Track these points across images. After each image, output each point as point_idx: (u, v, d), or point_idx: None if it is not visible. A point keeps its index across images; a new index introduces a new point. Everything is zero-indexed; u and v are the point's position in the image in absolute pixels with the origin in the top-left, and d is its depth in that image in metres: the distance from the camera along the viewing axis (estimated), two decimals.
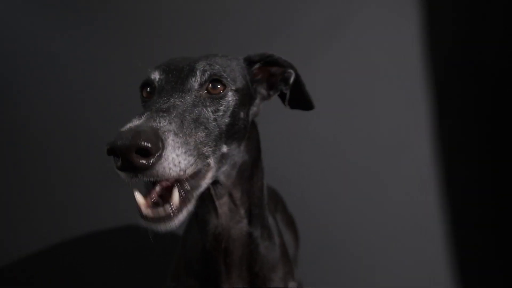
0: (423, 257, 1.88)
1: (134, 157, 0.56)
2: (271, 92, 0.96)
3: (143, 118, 0.61)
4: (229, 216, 0.91)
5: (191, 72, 0.77)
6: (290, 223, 1.55)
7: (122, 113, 1.70)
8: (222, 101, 0.79)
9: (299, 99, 0.97)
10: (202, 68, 0.78)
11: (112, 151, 0.56)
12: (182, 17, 1.90)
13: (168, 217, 0.63)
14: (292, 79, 0.93)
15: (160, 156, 0.57)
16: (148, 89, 0.80)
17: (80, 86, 1.92)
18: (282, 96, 0.99)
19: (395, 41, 1.89)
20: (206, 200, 0.87)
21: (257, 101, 0.94)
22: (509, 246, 1.85)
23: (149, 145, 0.55)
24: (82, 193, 1.92)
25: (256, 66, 0.93)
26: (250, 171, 0.92)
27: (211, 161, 0.74)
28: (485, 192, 1.89)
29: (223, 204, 0.89)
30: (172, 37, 1.89)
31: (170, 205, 0.63)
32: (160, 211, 0.63)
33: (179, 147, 0.61)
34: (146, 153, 0.56)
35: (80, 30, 1.90)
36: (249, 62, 0.92)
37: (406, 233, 1.90)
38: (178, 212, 0.64)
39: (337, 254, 1.89)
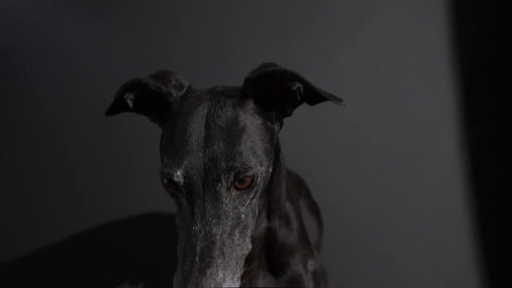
0: (449, 247, 1.86)
1: None
2: (289, 110, 0.83)
3: (208, 281, 0.65)
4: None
5: (215, 175, 0.69)
6: (314, 209, 1.55)
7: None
8: (253, 189, 0.74)
9: (311, 98, 0.80)
10: (225, 169, 0.69)
11: None
12: (196, 14, 1.88)
13: None
14: (302, 89, 0.78)
15: None
16: (168, 181, 0.73)
17: (92, 76, 1.91)
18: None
19: (420, 34, 1.85)
20: None
21: (277, 127, 0.84)
22: None
23: None
24: (82, 189, 1.93)
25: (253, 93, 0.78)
26: (271, 177, 0.88)
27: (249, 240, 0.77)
28: None
29: None
30: (185, 34, 1.88)
31: None
32: None
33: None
34: None
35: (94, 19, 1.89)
36: (248, 91, 0.78)
37: (432, 224, 1.86)
38: None
39: (361, 244, 1.89)
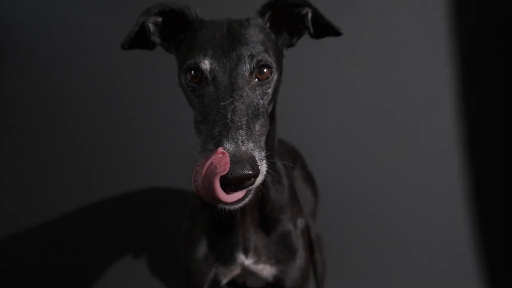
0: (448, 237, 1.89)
1: (244, 184, 0.66)
2: (294, 39, 0.95)
3: (239, 139, 0.68)
4: None
5: (240, 60, 0.78)
6: (309, 180, 1.58)
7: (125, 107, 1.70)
8: (269, 84, 0.81)
9: (323, 29, 0.93)
10: (249, 54, 0.78)
11: (229, 180, 0.64)
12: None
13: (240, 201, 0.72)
14: (310, 16, 0.90)
15: (255, 178, 0.67)
16: (193, 72, 0.80)
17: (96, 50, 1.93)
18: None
19: (419, 13, 1.86)
20: None
21: (285, 52, 0.94)
22: None
23: (254, 175, 0.65)
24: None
25: (268, 14, 0.90)
26: (271, 114, 0.93)
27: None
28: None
29: None
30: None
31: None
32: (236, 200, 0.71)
33: (263, 163, 0.71)
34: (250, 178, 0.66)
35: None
36: (263, 14, 0.90)
37: (429, 210, 1.90)
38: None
39: (358, 213, 1.92)
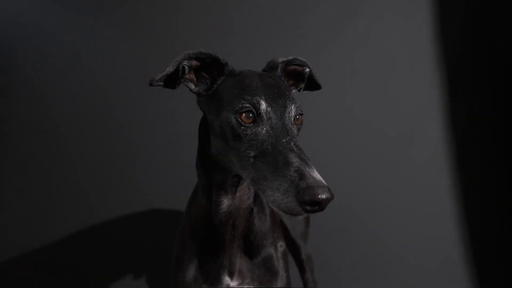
0: (436, 245, 1.94)
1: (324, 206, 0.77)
2: (295, 90, 1.14)
3: (315, 170, 0.79)
4: (242, 198, 1.06)
5: (285, 106, 0.91)
6: None
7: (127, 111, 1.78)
8: (299, 130, 0.95)
9: (308, 85, 1.15)
10: (292, 102, 0.93)
11: (314, 202, 0.75)
12: (191, 13, 2.01)
13: None
14: (307, 74, 1.12)
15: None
16: (245, 114, 0.89)
17: (92, 75, 2.03)
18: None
19: (407, 29, 1.95)
20: (228, 187, 1.02)
21: None
22: None
23: (332, 198, 0.77)
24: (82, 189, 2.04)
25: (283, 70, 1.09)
26: None
27: None
28: (500, 181, 1.91)
29: (241, 189, 1.04)
30: (181, 34, 2.01)
31: None
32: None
33: None
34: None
35: (90, 28, 2.01)
36: (282, 70, 1.08)
37: (418, 220, 1.95)
38: None
39: (349, 233, 1.98)
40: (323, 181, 0.77)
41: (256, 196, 1.08)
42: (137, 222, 2.02)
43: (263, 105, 0.88)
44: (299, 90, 1.15)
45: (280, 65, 1.07)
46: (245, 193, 1.05)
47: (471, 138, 1.94)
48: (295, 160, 0.79)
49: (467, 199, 1.92)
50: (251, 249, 1.13)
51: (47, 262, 2.02)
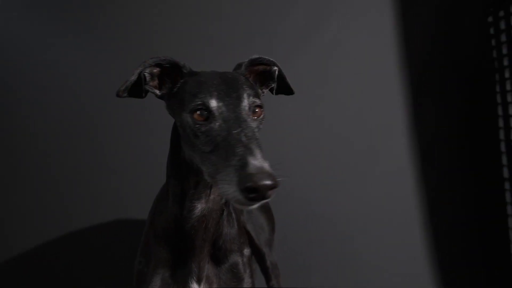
0: (404, 251, 2.00)
1: (268, 193, 0.75)
2: (263, 90, 1.14)
3: (260, 157, 0.78)
4: (215, 200, 1.04)
5: (239, 99, 0.93)
6: (265, 208, 1.65)
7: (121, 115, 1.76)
8: (261, 121, 0.96)
9: (281, 87, 1.16)
10: (246, 94, 0.94)
11: (255, 189, 0.73)
12: (175, 18, 2.03)
13: None
14: (276, 74, 1.12)
15: (275, 188, 0.76)
16: (199, 112, 0.91)
17: (79, 88, 2.02)
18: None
19: (373, 38, 2.02)
20: (202, 190, 1.01)
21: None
22: (491, 241, 1.95)
23: (276, 185, 0.75)
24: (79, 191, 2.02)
25: (247, 70, 1.09)
26: None
27: None
28: (465, 187, 2.00)
29: (215, 191, 1.02)
30: (167, 38, 2.03)
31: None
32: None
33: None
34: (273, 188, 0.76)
35: (79, 33, 2.01)
36: (245, 69, 1.08)
37: (386, 225, 2.01)
38: None
39: (314, 239, 2.00)
40: (266, 167, 0.75)
41: None
42: (130, 228, 1.98)
43: (214, 102, 0.90)
44: (272, 92, 1.16)
45: (244, 64, 1.08)
46: (218, 194, 1.04)
47: (437, 144, 2.01)
48: (240, 150, 0.79)
49: (433, 203, 1.99)
50: (219, 254, 1.12)
51: (36, 266, 1.99)
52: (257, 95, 0.98)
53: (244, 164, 0.75)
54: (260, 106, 0.96)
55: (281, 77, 1.13)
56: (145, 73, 0.99)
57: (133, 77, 0.98)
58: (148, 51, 1.89)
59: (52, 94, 2.01)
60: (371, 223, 2.00)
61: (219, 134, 0.86)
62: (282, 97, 1.19)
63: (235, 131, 0.85)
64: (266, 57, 1.10)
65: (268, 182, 0.73)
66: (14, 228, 2.01)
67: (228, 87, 0.94)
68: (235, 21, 2.03)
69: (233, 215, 1.16)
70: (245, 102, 0.93)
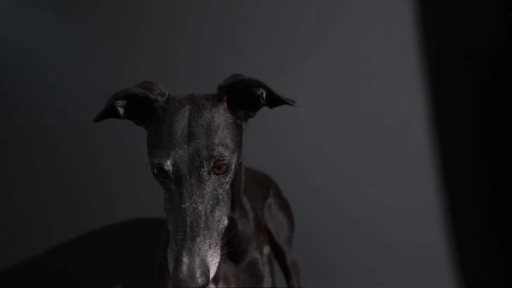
0: (422, 250, 1.95)
1: None
2: (252, 113, 1.00)
3: (191, 254, 0.80)
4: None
5: (200, 161, 0.84)
6: (284, 206, 1.65)
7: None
8: (227, 175, 0.89)
9: (278, 101, 0.97)
10: (206, 157, 0.85)
11: None
12: (188, 19, 2.02)
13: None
14: (264, 95, 0.95)
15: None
16: (156, 171, 0.87)
17: (80, 88, 2.04)
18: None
19: (390, 37, 1.97)
20: None
21: (245, 125, 1.00)
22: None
23: (204, 284, 0.78)
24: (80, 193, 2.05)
25: (225, 96, 0.94)
26: (233, 177, 0.99)
27: (226, 217, 0.92)
28: (485, 186, 1.94)
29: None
30: (169, 40, 2.00)
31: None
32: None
33: (216, 258, 0.84)
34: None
35: (81, 34, 2.03)
36: (221, 97, 0.94)
37: (405, 225, 1.96)
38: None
39: (335, 238, 1.98)
40: (194, 270, 0.78)
41: (235, 203, 1.06)
42: (125, 230, 2.00)
43: (169, 163, 0.84)
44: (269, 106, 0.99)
45: (224, 86, 0.92)
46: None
47: (456, 143, 1.96)
48: (179, 237, 0.81)
49: (453, 203, 1.94)
50: (235, 254, 1.11)
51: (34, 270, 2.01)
52: (227, 146, 0.88)
53: (177, 262, 0.78)
54: (224, 163, 0.87)
55: (273, 97, 0.94)
56: (117, 106, 0.96)
57: (105, 107, 0.94)
58: (155, 51, 1.91)
59: (62, 95, 2.03)
60: (389, 223, 1.96)
61: (174, 200, 0.86)
62: (300, 97, 1.05)
63: (184, 205, 0.83)
64: (248, 78, 0.91)
65: (192, 286, 0.76)
66: (24, 230, 2.05)
67: (191, 141, 0.85)
68: (247, 22, 2.00)
69: (250, 215, 1.15)
70: (204, 167, 0.85)
